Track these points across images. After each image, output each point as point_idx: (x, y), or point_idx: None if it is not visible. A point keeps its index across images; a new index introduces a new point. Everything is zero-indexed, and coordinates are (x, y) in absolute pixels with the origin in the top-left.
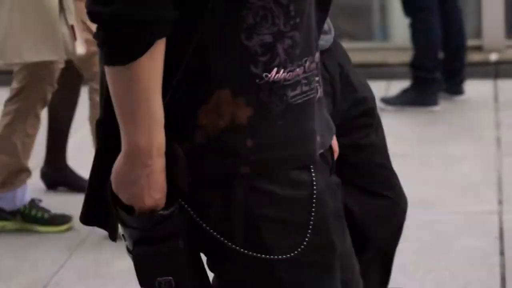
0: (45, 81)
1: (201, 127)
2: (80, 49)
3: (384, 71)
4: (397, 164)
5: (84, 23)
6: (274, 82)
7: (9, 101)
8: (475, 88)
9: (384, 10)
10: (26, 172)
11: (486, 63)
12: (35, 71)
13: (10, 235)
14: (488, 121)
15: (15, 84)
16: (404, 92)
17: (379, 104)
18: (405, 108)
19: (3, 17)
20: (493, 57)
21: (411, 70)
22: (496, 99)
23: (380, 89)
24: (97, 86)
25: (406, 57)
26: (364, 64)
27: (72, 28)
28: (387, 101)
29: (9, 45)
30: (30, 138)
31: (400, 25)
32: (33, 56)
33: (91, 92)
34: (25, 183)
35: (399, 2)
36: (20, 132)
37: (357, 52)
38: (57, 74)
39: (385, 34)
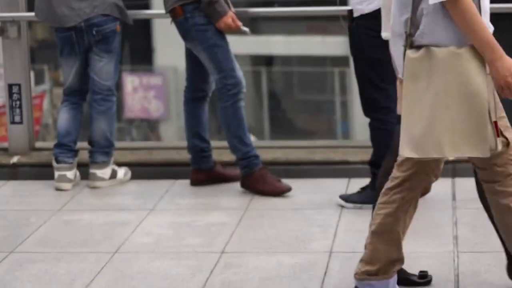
0: (431, 172)
1: None
2: (501, 146)
3: (344, 169)
4: (357, 260)
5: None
6: None
7: (391, 189)
8: (434, 186)
9: (345, 107)
10: (400, 261)
11: (445, 162)
12: (422, 162)
13: None
14: (446, 219)
15: (398, 173)
16: (363, 190)
17: (338, 201)
18: (365, 206)
19: (425, 113)
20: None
21: (370, 168)
22: (454, 197)
23: (340, 186)
24: (501, 187)
25: (366, 155)
26: (324, 161)
27: (495, 124)
28: (346, 198)
29: (429, 140)
30: (406, 228)
31: (361, 124)
32: (453, 151)
33: (496, 193)
34: (395, 273)
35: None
36: (401, 222)
37: (318, 150)
38: (441, 164)
39: (346, 128)
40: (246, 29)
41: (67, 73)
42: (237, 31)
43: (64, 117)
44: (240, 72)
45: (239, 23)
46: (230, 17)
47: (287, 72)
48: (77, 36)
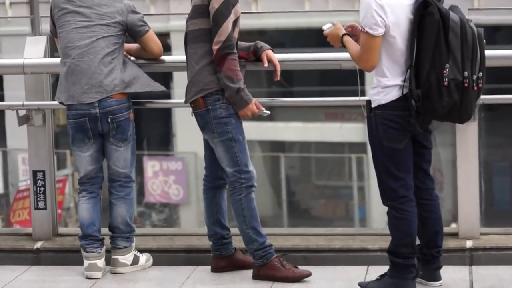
0: None
1: None
2: None
3: (363, 257)
4: None
5: None
6: None
7: None
8: (451, 274)
9: (362, 193)
10: None
11: (462, 250)
12: None
13: None
14: None
15: None
16: (382, 277)
17: None
18: None
19: None
20: (469, 244)
21: (388, 256)
22: (471, 285)
23: (359, 274)
24: None
25: (385, 243)
26: (343, 249)
27: None
28: (365, 286)
29: None
30: None
31: (379, 210)
32: None
33: None
34: None
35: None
36: None
37: (337, 237)
38: None
39: (363, 213)
40: (267, 112)
41: (80, 162)
42: (258, 115)
43: (84, 208)
44: (253, 167)
45: (262, 107)
46: (254, 104)
47: (305, 158)
48: (91, 123)
